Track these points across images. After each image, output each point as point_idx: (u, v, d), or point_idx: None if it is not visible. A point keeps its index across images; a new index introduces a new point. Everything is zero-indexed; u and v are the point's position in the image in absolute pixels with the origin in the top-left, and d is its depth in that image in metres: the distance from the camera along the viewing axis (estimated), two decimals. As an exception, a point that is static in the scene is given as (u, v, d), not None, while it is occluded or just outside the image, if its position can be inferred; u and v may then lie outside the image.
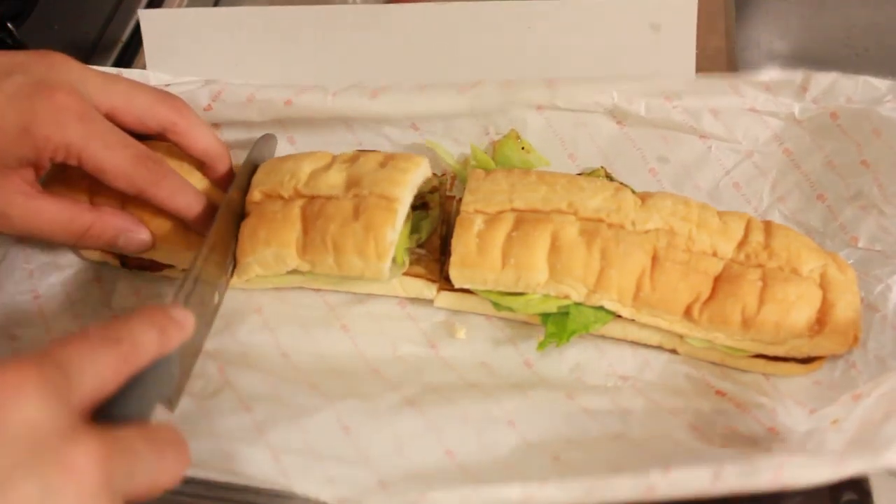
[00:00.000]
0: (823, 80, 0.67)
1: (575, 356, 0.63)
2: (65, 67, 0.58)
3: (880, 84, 0.66)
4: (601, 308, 0.60)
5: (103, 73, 0.61)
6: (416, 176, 0.63)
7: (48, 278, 0.68)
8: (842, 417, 0.53)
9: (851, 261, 0.63)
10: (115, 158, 0.58)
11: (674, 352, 0.63)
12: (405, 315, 0.66)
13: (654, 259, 0.59)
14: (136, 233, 0.63)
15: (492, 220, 0.61)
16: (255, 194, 0.63)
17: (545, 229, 0.59)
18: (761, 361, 0.61)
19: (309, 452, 0.54)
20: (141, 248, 0.64)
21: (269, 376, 0.61)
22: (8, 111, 0.55)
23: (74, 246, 0.67)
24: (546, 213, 0.60)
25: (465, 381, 0.61)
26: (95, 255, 0.68)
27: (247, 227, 0.62)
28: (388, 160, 0.63)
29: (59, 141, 0.56)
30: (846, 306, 0.57)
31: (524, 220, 0.60)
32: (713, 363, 0.63)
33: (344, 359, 0.63)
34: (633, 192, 0.63)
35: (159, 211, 0.63)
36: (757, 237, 0.60)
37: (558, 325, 0.61)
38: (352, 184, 0.61)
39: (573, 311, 0.60)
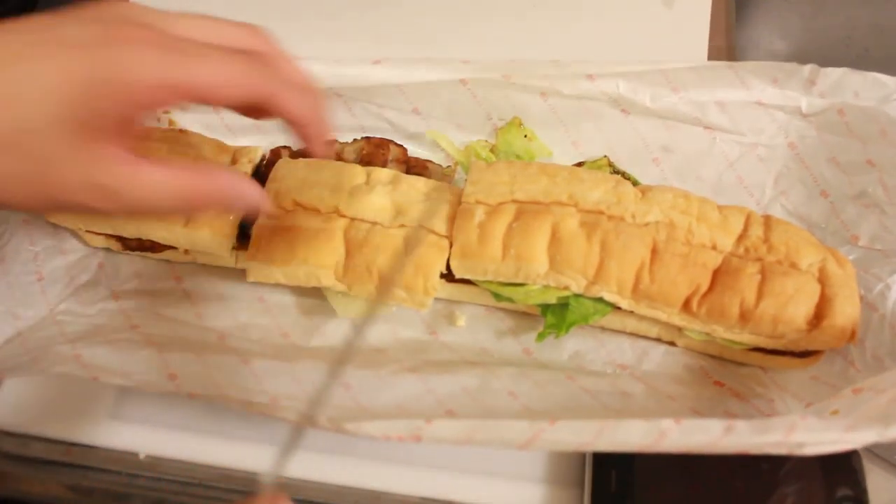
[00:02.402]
0: (831, 74, 0.65)
1: (574, 346, 0.62)
2: (124, 8, 0.47)
3: (888, 81, 0.64)
4: (600, 300, 0.59)
5: (167, 11, 0.49)
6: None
7: (52, 261, 0.66)
8: (842, 409, 0.51)
9: (851, 258, 0.61)
10: (225, 69, 0.46)
11: (672, 344, 0.62)
12: (406, 302, 0.65)
13: (654, 251, 0.57)
14: (248, 189, 0.51)
15: (493, 211, 0.59)
16: (287, 202, 0.60)
17: (546, 221, 0.58)
18: (759, 355, 0.60)
19: (307, 400, 0.52)
20: (256, 206, 0.52)
21: (270, 347, 0.60)
22: (83, 65, 0.43)
23: (185, 215, 0.58)
24: (547, 205, 0.59)
25: (465, 361, 0.61)
26: (99, 242, 0.67)
27: (280, 237, 0.59)
28: (431, 191, 0.61)
29: (151, 80, 0.44)
30: (844, 301, 0.56)
31: (525, 211, 0.58)
32: (711, 356, 0.61)
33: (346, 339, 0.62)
34: (634, 184, 0.62)
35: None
36: (756, 231, 0.58)
37: (557, 316, 0.60)
38: (398, 212, 0.60)
39: (573, 302, 0.59)
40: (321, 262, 0.59)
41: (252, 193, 0.51)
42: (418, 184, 0.62)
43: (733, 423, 0.43)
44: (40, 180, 0.44)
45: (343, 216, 0.60)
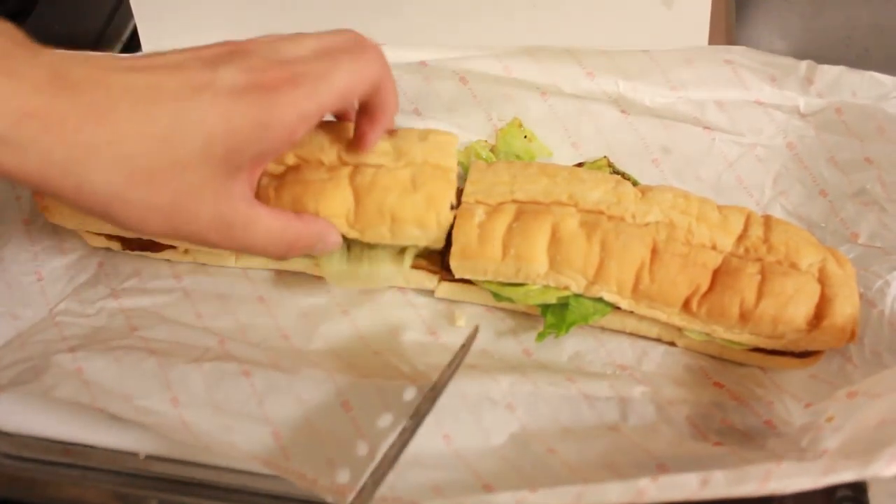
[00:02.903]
0: (829, 72, 0.65)
1: (574, 346, 0.62)
2: (242, 47, 0.48)
3: (886, 80, 0.64)
4: (600, 300, 0.58)
5: (272, 40, 0.50)
6: (456, 147, 0.61)
7: (52, 261, 0.66)
8: (837, 414, 0.51)
9: (851, 256, 0.61)
10: (352, 74, 0.49)
11: (672, 344, 0.62)
12: (405, 302, 0.65)
13: (654, 251, 0.57)
14: (331, 235, 0.57)
15: (493, 211, 0.58)
16: (288, 157, 0.59)
17: (546, 221, 0.57)
18: (759, 355, 0.59)
19: (310, 431, 0.53)
20: (333, 249, 0.58)
21: (270, 351, 0.60)
22: (246, 112, 0.45)
23: (278, 258, 0.56)
24: (547, 205, 0.58)
25: (465, 364, 0.59)
26: (100, 242, 0.66)
27: (287, 192, 0.57)
28: (427, 134, 0.61)
29: (303, 117, 0.47)
30: (844, 301, 0.55)
31: (525, 211, 0.58)
32: (711, 356, 0.61)
33: (345, 341, 0.62)
34: (634, 184, 0.61)
35: None
36: (756, 231, 0.58)
37: (557, 316, 0.59)
38: (400, 154, 0.59)
39: (573, 302, 0.59)
40: (332, 211, 0.57)
41: (335, 241, 0.57)
42: (413, 132, 0.61)
43: (708, 475, 0.43)
44: (177, 212, 0.46)
45: (346, 164, 0.58)
